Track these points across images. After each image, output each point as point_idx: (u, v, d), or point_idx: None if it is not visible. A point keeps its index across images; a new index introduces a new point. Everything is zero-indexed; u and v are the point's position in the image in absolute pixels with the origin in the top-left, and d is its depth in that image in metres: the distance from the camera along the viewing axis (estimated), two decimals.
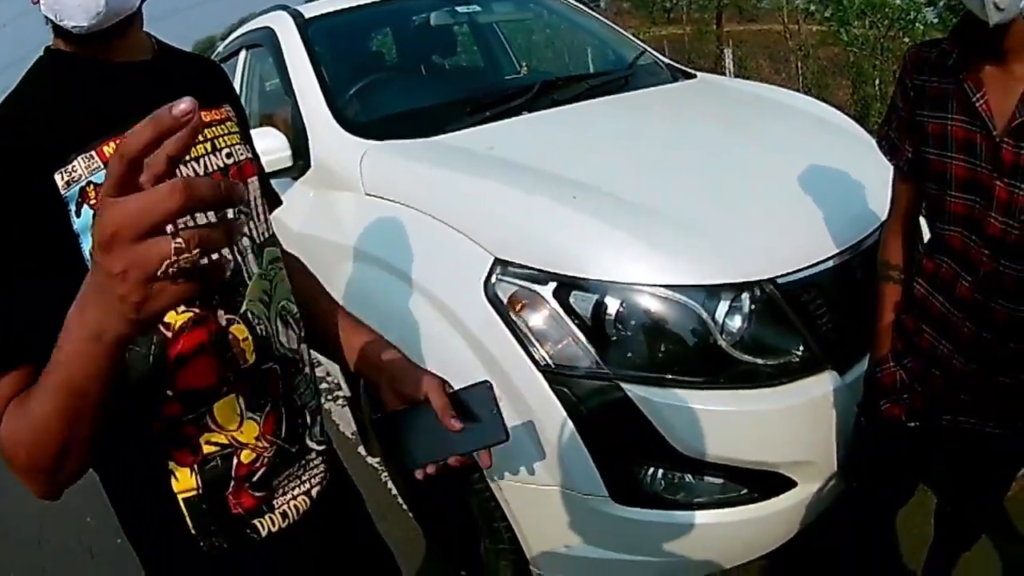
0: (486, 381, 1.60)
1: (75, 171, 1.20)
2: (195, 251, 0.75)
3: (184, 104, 0.73)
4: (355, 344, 1.73)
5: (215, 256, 0.79)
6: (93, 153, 1.22)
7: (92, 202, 1.20)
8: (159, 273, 0.76)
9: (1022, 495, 3.40)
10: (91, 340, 0.88)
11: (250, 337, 1.38)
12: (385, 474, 4.06)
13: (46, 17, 1.25)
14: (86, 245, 1.18)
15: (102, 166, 1.22)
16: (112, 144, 1.23)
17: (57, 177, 1.19)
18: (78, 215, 1.19)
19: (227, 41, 5.37)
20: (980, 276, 1.98)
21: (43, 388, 0.99)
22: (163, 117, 0.73)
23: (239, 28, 5.34)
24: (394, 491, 3.91)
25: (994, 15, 1.70)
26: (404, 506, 3.72)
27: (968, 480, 2.40)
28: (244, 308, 1.38)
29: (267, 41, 4.22)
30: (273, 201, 1.73)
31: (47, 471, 1.07)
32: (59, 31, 1.29)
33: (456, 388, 1.59)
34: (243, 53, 4.71)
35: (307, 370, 1.54)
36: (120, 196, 0.76)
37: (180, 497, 1.35)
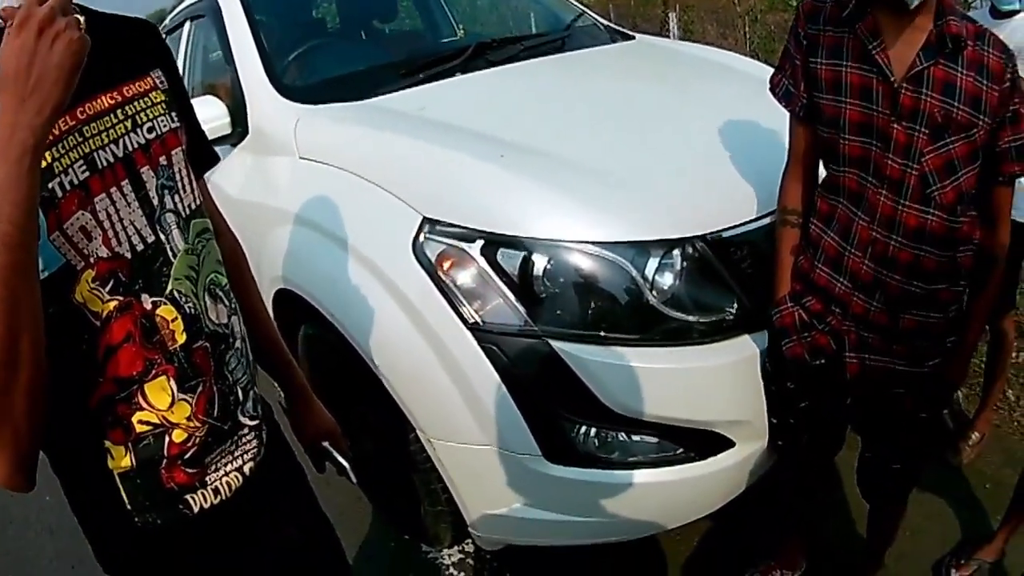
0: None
1: None
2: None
3: None
4: (269, 362, 1.87)
5: None
6: None
7: None
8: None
9: (978, 463, 3.45)
10: (17, 165, 1.04)
11: (179, 317, 1.38)
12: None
13: None
14: None
15: None
16: None
17: None
18: None
19: (172, 13, 5.31)
20: (878, 216, 2.07)
21: None
22: None
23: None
24: None
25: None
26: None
27: (884, 421, 2.41)
28: (170, 288, 1.38)
29: (210, 11, 4.17)
30: (209, 159, 1.74)
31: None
32: None
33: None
34: (187, 25, 4.66)
35: (238, 344, 1.54)
36: None
37: (116, 473, 1.36)
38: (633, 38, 4.45)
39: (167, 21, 5.31)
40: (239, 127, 3.52)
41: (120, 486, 1.37)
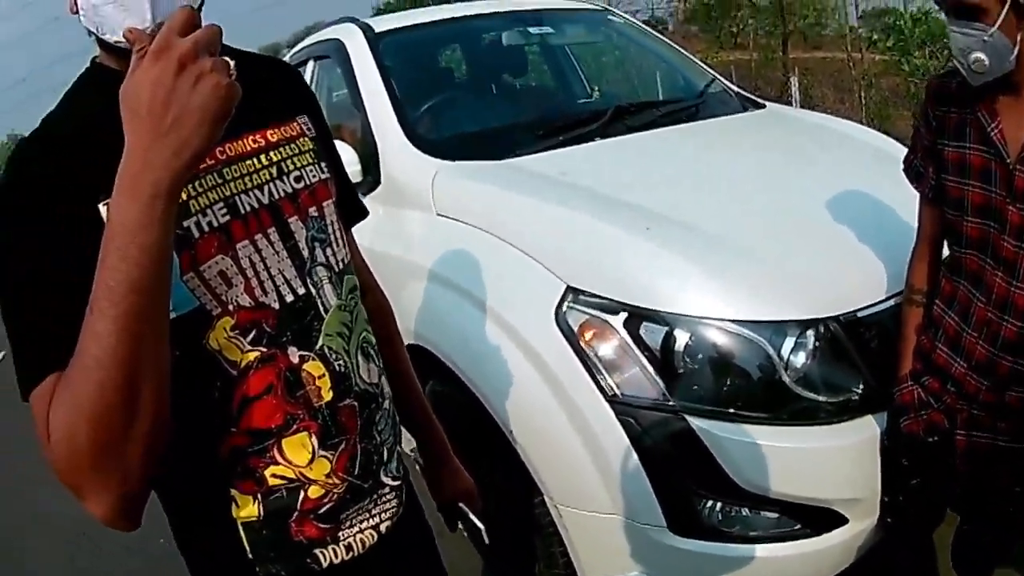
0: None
1: None
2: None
3: None
4: (411, 420, 1.84)
5: None
6: None
7: None
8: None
9: None
10: (149, 205, 0.95)
11: (327, 374, 1.34)
12: None
13: (87, 29, 1.22)
14: None
15: None
16: None
17: (102, 208, 1.14)
18: None
19: (294, 51, 5.38)
20: (993, 297, 2.08)
21: (93, 317, 0.98)
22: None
23: (307, 38, 5.35)
24: None
25: (976, 79, 1.93)
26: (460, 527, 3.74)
27: (983, 496, 2.40)
28: (320, 343, 1.34)
29: (336, 53, 4.23)
30: (358, 213, 1.72)
31: (104, 452, 1.01)
32: (103, 44, 1.25)
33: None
34: (311, 64, 4.71)
35: (386, 404, 1.50)
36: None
37: (240, 522, 1.32)
38: (763, 106, 4.44)
39: (288, 58, 5.39)
40: (370, 175, 3.54)
41: (243, 535, 1.32)
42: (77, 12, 1.20)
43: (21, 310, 1.13)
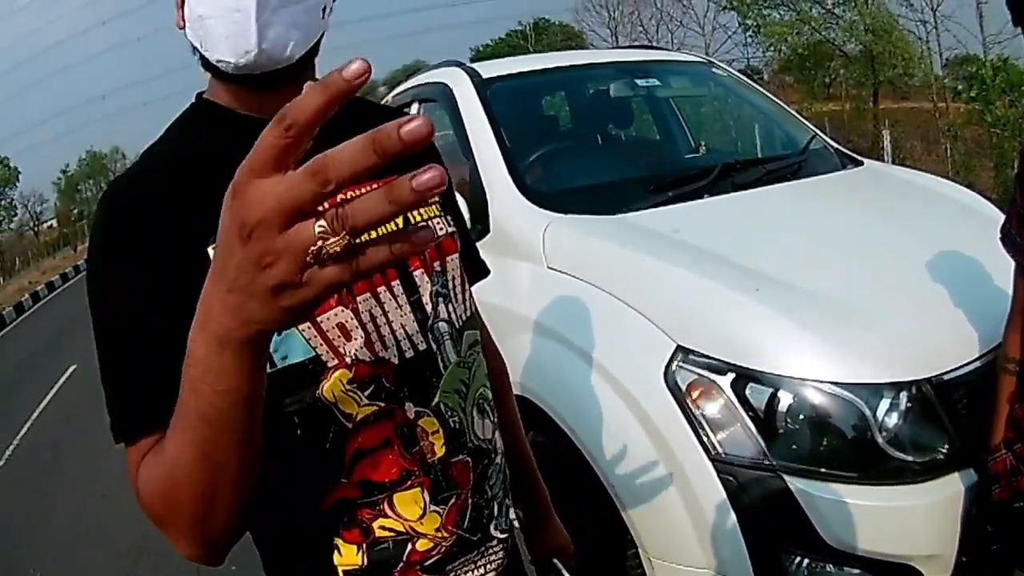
0: None
1: None
2: (342, 234, 0.67)
3: (356, 64, 0.65)
4: (517, 475, 1.73)
5: (376, 233, 0.70)
6: None
7: None
8: (308, 259, 0.68)
9: None
10: (217, 350, 0.79)
11: (440, 430, 1.29)
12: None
13: (192, 46, 1.21)
14: None
15: None
16: None
17: (211, 252, 1.07)
18: None
19: (396, 91, 5.40)
20: None
21: (175, 428, 0.91)
22: (333, 79, 0.65)
23: (406, 79, 5.39)
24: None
25: None
26: None
27: None
28: (436, 400, 1.30)
29: (442, 97, 4.25)
30: (480, 270, 1.70)
31: (190, 522, 0.98)
32: (209, 67, 1.22)
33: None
34: (415, 107, 4.69)
35: (498, 459, 1.45)
36: (268, 175, 0.67)
37: (341, 569, 1.26)
38: (862, 163, 4.46)
39: (389, 99, 5.40)
40: (479, 224, 3.54)
41: None
42: (184, 27, 1.19)
43: (121, 356, 1.10)
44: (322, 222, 0.66)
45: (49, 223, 64.74)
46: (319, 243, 0.67)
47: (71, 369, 12.35)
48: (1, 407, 11.01)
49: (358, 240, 0.69)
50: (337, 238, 0.67)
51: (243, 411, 0.86)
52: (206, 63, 1.22)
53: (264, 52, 1.14)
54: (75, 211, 62.48)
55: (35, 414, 10.24)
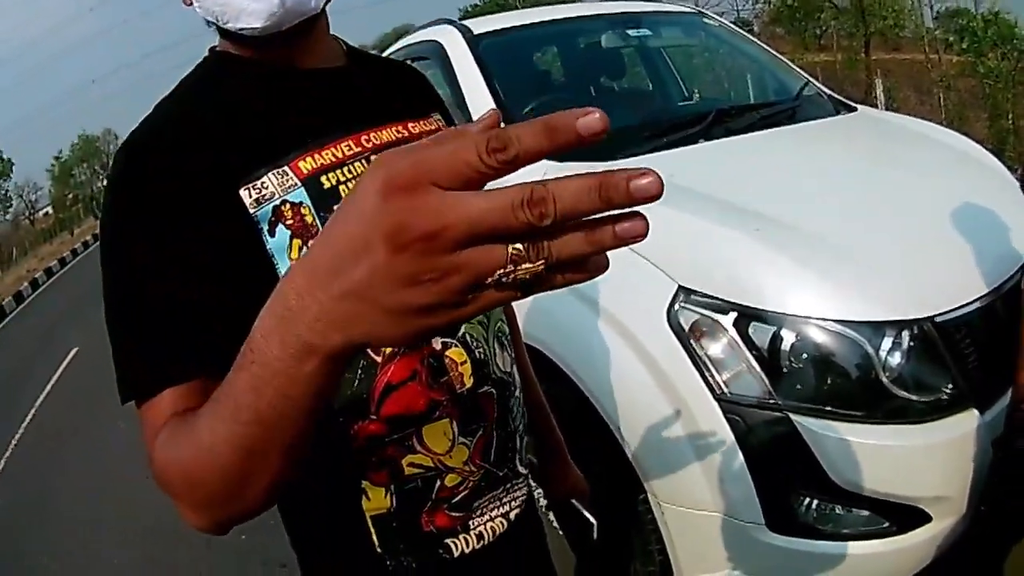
0: None
1: (266, 188, 1.13)
2: (539, 263, 0.59)
3: (595, 120, 0.56)
4: (531, 418, 1.69)
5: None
6: (287, 168, 1.15)
7: (288, 222, 1.13)
8: (489, 281, 0.60)
9: None
10: (299, 356, 0.69)
11: (468, 360, 1.30)
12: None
13: (206, 20, 1.19)
14: (282, 266, 1.13)
15: (298, 183, 1.14)
16: (309, 159, 1.16)
17: (244, 193, 1.12)
18: (272, 235, 1.13)
19: (388, 52, 5.38)
20: None
21: (216, 414, 0.81)
22: (566, 128, 0.56)
23: (396, 40, 5.39)
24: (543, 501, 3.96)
25: None
26: (555, 523, 3.77)
27: None
28: (462, 330, 1.30)
29: (435, 55, 4.23)
30: None
31: (210, 503, 0.91)
32: (225, 33, 1.22)
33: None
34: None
35: (518, 393, 1.45)
36: (453, 188, 0.58)
37: (368, 515, 1.26)
38: (855, 109, 4.44)
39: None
40: None
41: (371, 528, 1.26)
42: (192, 4, 1.18)
43: (138, 311, 1.06)
44: (519, 245, 0.59)
45: (45, 210, 64.70)
46: (509, 267, 0.59)
47: (73, 351, 12.39)
48: (8, 394, 11.02)
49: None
50: (531, 265, 0.59)
51: (307, 419, 0.77)
52: (225, 32, 1.21)
53: (289, 10, 1.14)
54: (70, 196, 62.45)
55: (40, 399, 10.26)
